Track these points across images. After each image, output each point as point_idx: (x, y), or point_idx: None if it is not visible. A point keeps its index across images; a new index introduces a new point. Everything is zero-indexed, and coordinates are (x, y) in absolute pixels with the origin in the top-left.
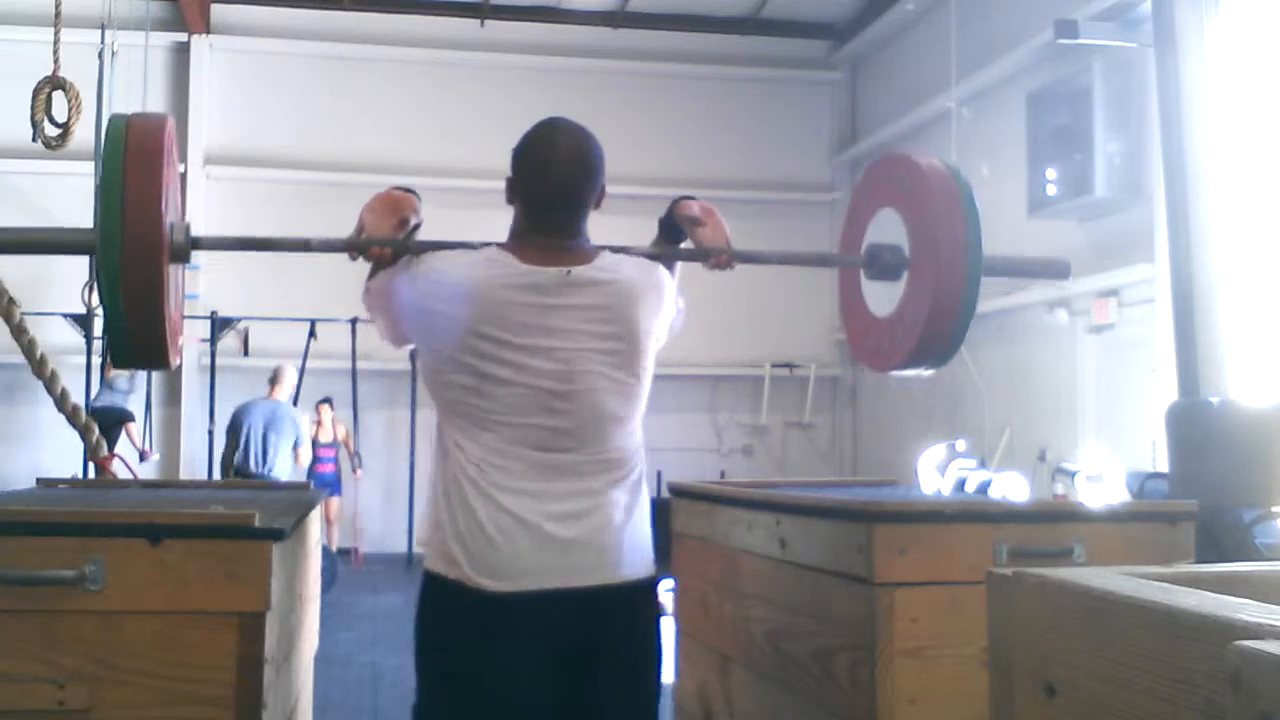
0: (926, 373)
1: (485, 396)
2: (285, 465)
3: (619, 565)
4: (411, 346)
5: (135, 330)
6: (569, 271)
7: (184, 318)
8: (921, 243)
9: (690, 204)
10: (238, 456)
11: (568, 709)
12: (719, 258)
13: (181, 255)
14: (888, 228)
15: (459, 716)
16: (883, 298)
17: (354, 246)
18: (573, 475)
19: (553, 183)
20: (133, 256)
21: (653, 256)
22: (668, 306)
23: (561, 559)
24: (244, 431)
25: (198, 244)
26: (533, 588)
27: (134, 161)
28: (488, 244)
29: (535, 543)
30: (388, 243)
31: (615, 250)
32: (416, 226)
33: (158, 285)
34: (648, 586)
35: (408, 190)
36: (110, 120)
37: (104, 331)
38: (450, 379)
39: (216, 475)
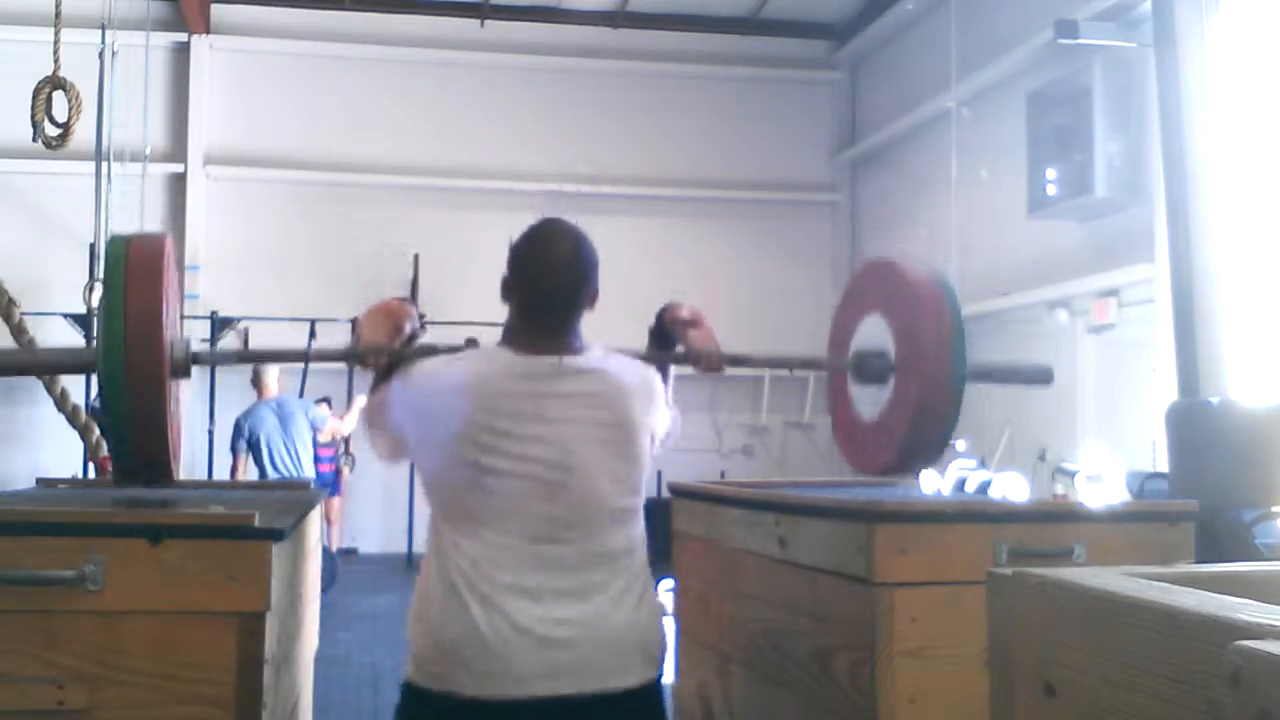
0: (916, 473)
1: (484, 490)
2: (311, 462)
3: (622, 670)
4: (406, 459)
5: (138, 445)
6: (561, 360)
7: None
8: (906, 351)
9: (679, 308)
10: (264, 470)
11: None
12: (711, 361)
13: (182, 371)
14: (877, 329)
15: None
16: (870, 401)
17: (351, 356)
18: (573, 568)
19: (548, 289)
20: (135, 377)
21: (644, 358)
22: (659, 407)
23: (559, 661)
24: (263, 445)
25: (197, 360)
26: (528, 694)
27: (134, 280)
28: (476, 346)
29: (532, 646)
30: (385, 350)
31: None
32: (413, 336)
33: (160, 402)
34: (650, 691)
35: (405, 300)
36: (110, 242)
37: (109, 448)
38: (449, 477)
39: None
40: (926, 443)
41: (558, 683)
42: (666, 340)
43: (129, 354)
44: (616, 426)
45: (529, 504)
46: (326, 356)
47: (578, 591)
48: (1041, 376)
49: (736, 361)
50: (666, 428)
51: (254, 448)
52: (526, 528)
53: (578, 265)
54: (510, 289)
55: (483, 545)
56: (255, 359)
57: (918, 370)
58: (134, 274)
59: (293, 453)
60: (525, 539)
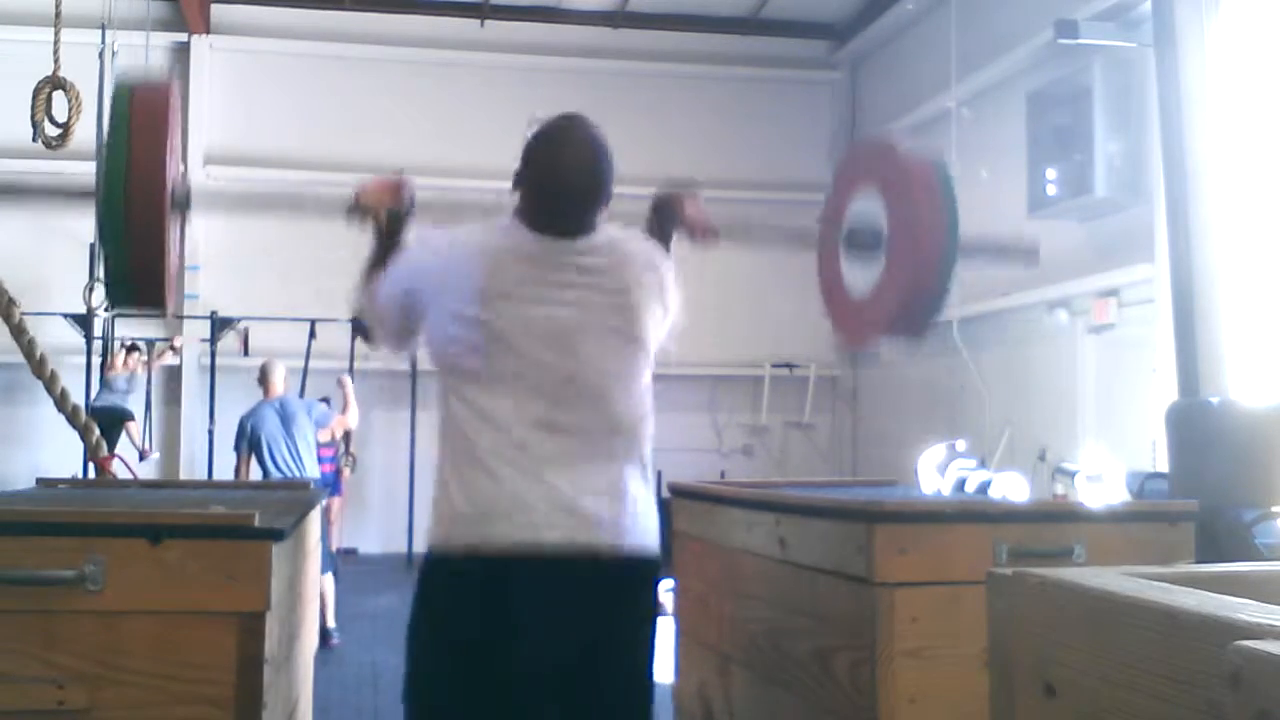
0: (904, 348)
1: (492, 356)
2: (314, 462)
3: (629, 532)
4: (410, 341)
5: (135, 273)
6: (575, 239)
7: (183, 318)
8: (900, 222)
9: (669, 194)
10: (267, 470)
11: (567, 678)
12: (705, 229)
13: (182, 204)
14: (868, 208)
15: (457, 682)
16: (861, 279)
17: (353, 210)
18: (579, 435)
19: (562, 191)
20: (137, 203)
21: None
22: (667, 284)
23: (569, 515)
24: (264, 445)
25: (196, 200)
26: (554, 541)
27: (139, 116)
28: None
29: (543, 494)
30: (384, 209)
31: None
32: (411, 206)
33: (160, 230)
34: (654, 564)
35: (402, 175)
36: (116, 87)
37: (105, 273)
38: (457, 336)
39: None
40: (918, 314)
41: (568, 532)
42: (663, 229)
43: (132, 189)
44: (621, 294)
45: (535, 370)
46: (326, 207)
47: (585, 457)
48: (1027, 258)
49: (731, 235)
50: (676, 305)
51: (255, 447)
52: (536, 390)
53: (594, 173)
54: (524, 179)
55: (489, 410)
56: (252, 204)
57: (911, 240)
58: (139, 109)
59: (294, 453)
60: (538, 402)
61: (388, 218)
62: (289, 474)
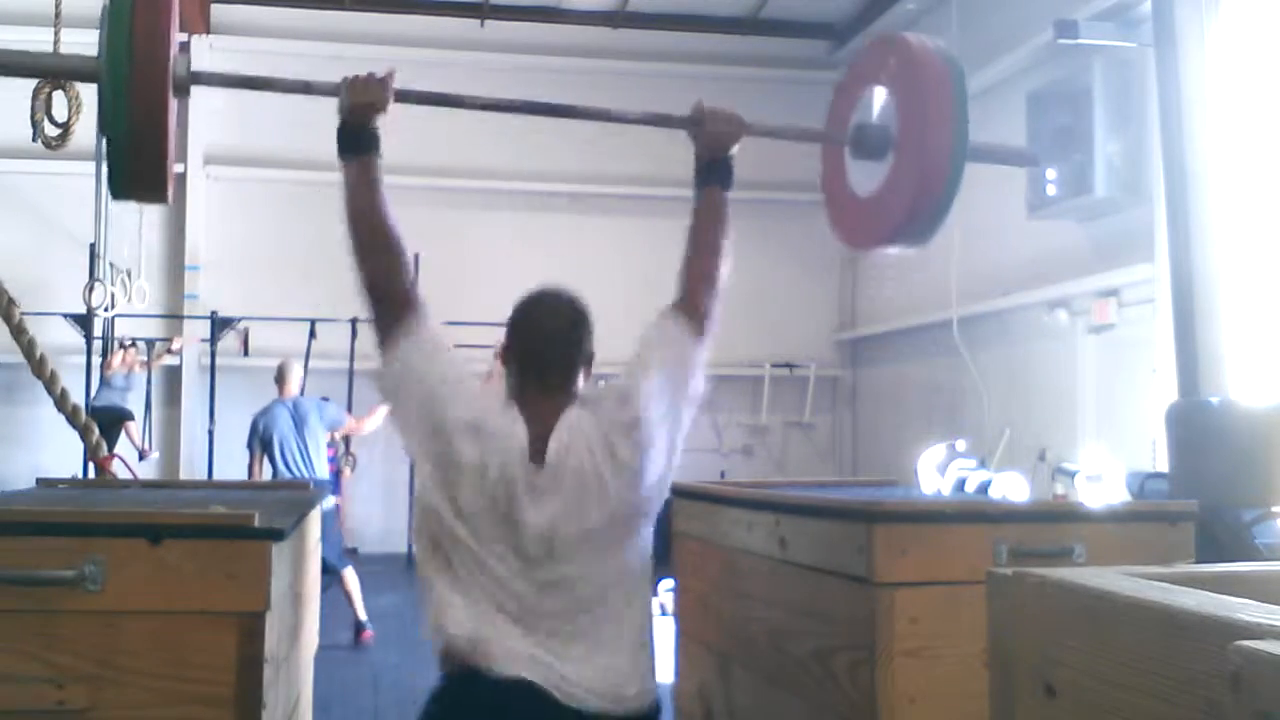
0: (907, 250)
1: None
2: (324, 463)
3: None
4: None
5: (136, 154)
6: (543, 464)
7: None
8: (910, 120)
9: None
10: (276, 469)
11: None
12: (728, 126)
13: (183, 89)
14: (878, 108)
15: None
16: (865, 176)
17: (341, 100)
18: (563, 616)
19: (544, 350)
20: (139, 88)
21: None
22: (647, 426)
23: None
24: (275, 444)
25: (198, 79)
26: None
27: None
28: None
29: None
30: (375, 102)
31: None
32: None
33: (162, 115)
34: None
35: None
36: None
37: (107, 159)
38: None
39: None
40: (924, 215)
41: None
42: (709, 169)
43: (134, 65)
44: (604, 488)
45: (509, 570)
46: (329, 91)
47: (572, 638)
48: (1026, 159)
49: (749, 130)
50: (679, 399)
51: (267, 446)
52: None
53: (572, 329)
54: (508, 350)
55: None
56: (253, 85)
57: (920, 138)
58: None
59: (304, 453)
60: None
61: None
62: (297, 474)
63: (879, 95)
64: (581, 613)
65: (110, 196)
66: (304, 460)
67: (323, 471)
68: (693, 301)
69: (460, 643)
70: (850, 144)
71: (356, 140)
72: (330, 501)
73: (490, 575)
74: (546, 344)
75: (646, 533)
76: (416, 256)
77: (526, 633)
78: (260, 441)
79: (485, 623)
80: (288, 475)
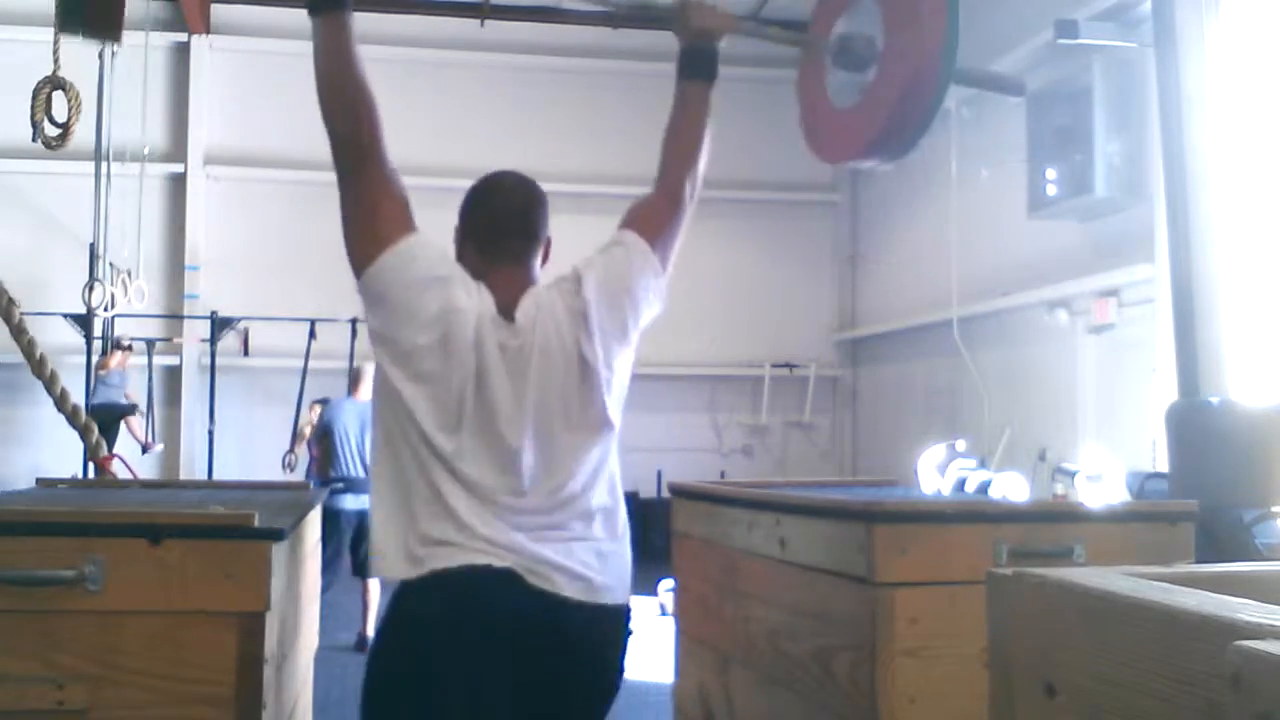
0: (882, 166)
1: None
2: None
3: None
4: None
5: None
6: (513, 323)
7: (185, 311)
8: (897, 31)
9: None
10: (335, 462)
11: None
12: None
13: None
14: (862, 17)
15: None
16: (846, 90)
17: None
18: (542, 513)
19: (505, 218)
20: None
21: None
22: (608, 308)
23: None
24: (336, 438)
25: None
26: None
27: None
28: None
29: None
30: None
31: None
32: None
33: None
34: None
35: None
36: None
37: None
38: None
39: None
40: (905, 128)
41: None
42: (692, 61)
43: None
44: (570, 365)
45: (492, 456)
46: None
47: (553, 532)
48: (1011, 88)
49: (736, 27)
50: (648, 277)
51: (329, 437)
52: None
53: (533, 204)
54: (465, 232)
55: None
56: None
57: (907, 52)
58: None
59: (361, 454)
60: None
61: None
62: (349, 472)
63: (865, 5)
64: (557, 509)
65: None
66: (360, 460)
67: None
68: (671, 181)
69: (422, 548)
70: (833, 53)
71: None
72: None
73: (462, 477)
74: (508, 217)
75: (611, 439)
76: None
77: (498, 530)
78: (324, 433)
79: (451, 523)
80: (337, 471)
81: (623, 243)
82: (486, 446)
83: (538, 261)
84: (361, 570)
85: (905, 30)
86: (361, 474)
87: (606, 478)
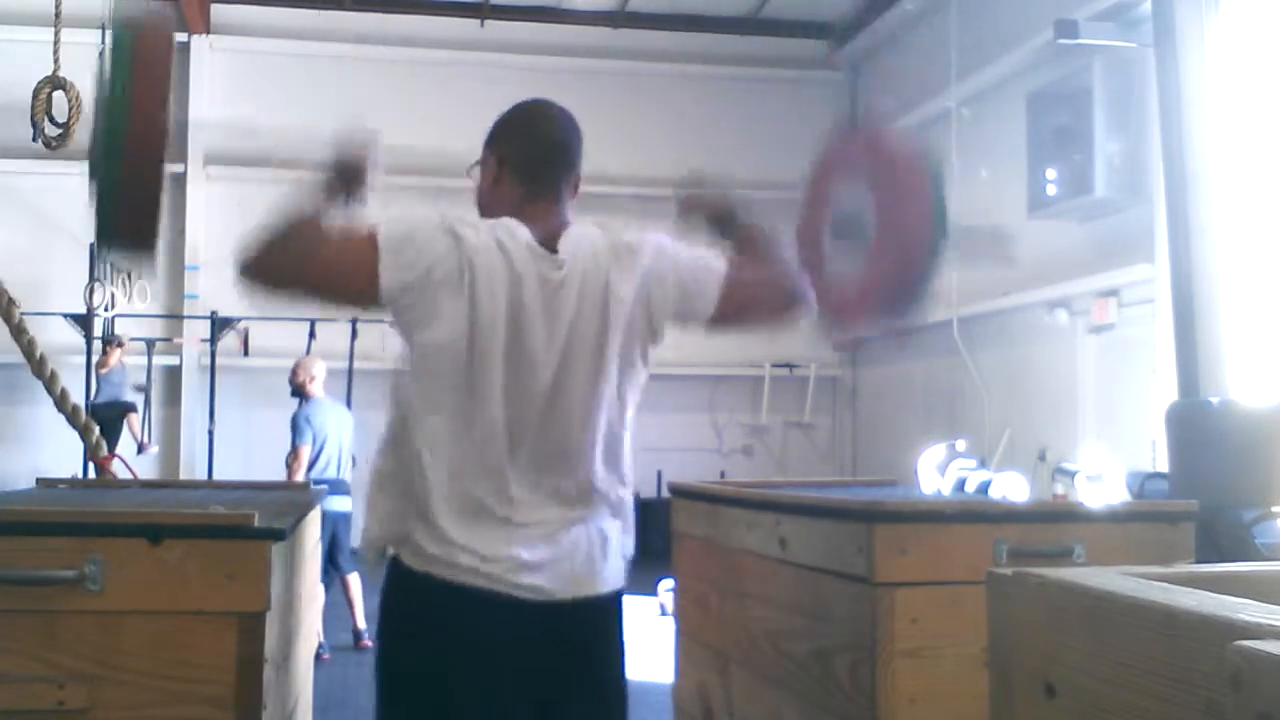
0: (893, 334)
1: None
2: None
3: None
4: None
5: (132, 216)
6: (555, 255)
7: (185, 311)
8: (886, 212)
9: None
10: (319, 466)
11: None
12: (705, 203)
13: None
14: (853, 195)
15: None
16: (844, 266)
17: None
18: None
19: (548, 135)
20: (135, 153)
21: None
22: (648, 265)
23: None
24: (319, 442)
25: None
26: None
27: (141, 56)
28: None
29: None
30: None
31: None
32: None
33: (157, 176)
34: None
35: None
36: (116, 32)
37: (97, 221)
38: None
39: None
40: (902, 305)
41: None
42: (717, 231)
43: (130, 133)
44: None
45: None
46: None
47: (558, 522)
48: (1007, 262)
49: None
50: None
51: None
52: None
53: (575, 137)
54: (503, 160)
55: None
56: (251, 161)
57: (897, 232)
58: (141, 56)
59: (341, 456)
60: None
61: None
62: (331, 474)
63: (854, 183)
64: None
65: (98, 244)
66: (341, 461)
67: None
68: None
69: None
70: (829, 233)
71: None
72: (350, 505)
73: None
74: (554, 148)
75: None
76: None
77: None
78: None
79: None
80: (325, 471)
81: (709, 261)
82: (516, 389)
83: (571, 193)
84: (336, 568)
85: (891, 209)
86: (344, 476)
87: (616, 442)
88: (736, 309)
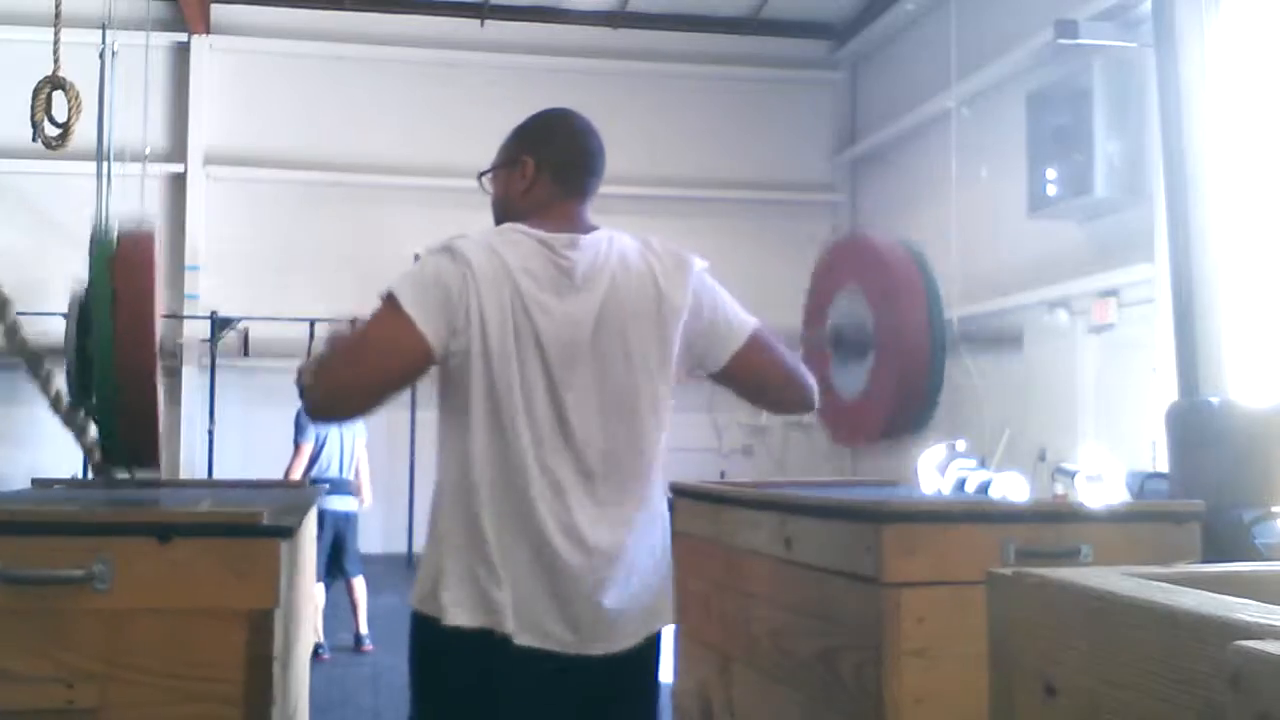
0: (901, 444)
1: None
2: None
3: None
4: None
5: (129, 435)
6: (575, 266)
7: (185, 311)
8: (885, 321)
9: None
10: (320, 464)
11: None
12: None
13: (169, 354)
14: (851, 307)
15: None
16: (849, 380)
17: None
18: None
19: (586, 144)
20: (127, 373)
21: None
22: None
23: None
24: (320, 439)
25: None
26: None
27: (124, 283)
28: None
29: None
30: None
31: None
32: None
33: (151, 390)
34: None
35: None
36: (96, 244)
37: (99, 437)
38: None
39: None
40: (912, 410)
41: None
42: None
43: (120, 352)
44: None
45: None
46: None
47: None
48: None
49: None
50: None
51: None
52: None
53: (602, 147)
54: (541, 161)
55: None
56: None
57: (897, 339)
58: (122, 274)
59: (343, 456)
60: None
61: None
62: (334, 473)
63: (852, 295)
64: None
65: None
66: (342, 461)
67: (351, 474)
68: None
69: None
70: (830, 344)
71: None
72: (354, 505)
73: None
74: (592, 156)
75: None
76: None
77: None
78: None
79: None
80: (327, 471)
81: (744, 315)
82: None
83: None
84: (341, 570)
85: (889, 312)
86: (347, 475)
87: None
88: (748, 372)
